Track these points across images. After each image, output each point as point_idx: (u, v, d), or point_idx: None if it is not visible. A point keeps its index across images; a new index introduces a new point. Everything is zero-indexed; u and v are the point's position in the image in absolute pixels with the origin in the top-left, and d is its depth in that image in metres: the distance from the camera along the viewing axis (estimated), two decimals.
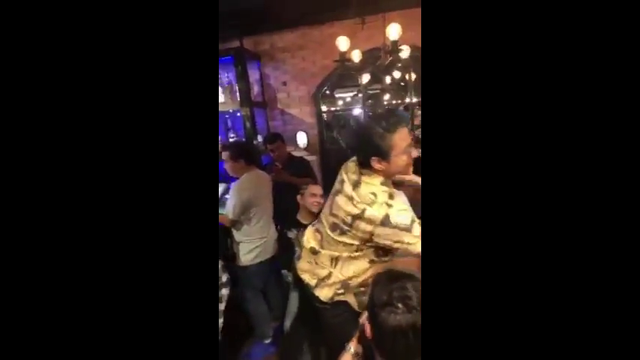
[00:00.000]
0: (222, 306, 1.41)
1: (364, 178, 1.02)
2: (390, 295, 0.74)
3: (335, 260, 1.11)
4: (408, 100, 2.89)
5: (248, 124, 2.40)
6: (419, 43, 2.07)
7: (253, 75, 2.58)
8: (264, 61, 2.65)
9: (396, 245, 0.99)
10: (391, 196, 1.00)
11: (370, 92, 3.15)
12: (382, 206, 0.96)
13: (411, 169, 1.09)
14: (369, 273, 1.09)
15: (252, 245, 1.71)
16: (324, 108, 2.86)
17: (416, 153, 1.06)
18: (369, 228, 0.97)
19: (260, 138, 2.49)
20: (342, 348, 0.97)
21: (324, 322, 1.21)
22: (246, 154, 1.76)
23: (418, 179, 1.13)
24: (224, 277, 1.44)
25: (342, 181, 1.07)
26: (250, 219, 1.69)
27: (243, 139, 2.48)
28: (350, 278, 1.10)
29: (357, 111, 3.21)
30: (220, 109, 2.46)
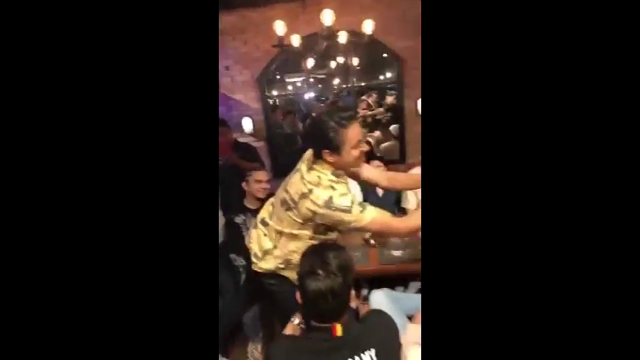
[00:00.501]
0: None
1: (317, 167, 1.09)
2: (311, 264, 0.83)
3: (279, 234, 1.17)
4: (350, 85, 2.97)
5: None
6: (357, 28, 2.14)
7: None
8: None
9: (340, 227, 1.08)
10: (337, 182, 1.07)
11: (319, 77, 3.18)
12: (327, 189, 1.03)
13: (363, 162, 1.19)
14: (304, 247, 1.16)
15: None
16: (274, 92, 2.84)
17: (367, 147, 1.13)
18: (312, 207, 1.03)
19: None
20: (288, 320, 1.05)
21: (271, 297, 1.28)
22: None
23: (374, 173, 1.21)
24: None
25: (302, 161, 1.13)
26: None
27: None
28: (291, 253, 1.17)
29: (307, 96, 3.24)
30: None
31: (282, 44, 1.75)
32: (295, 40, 1.86)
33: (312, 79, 2.95)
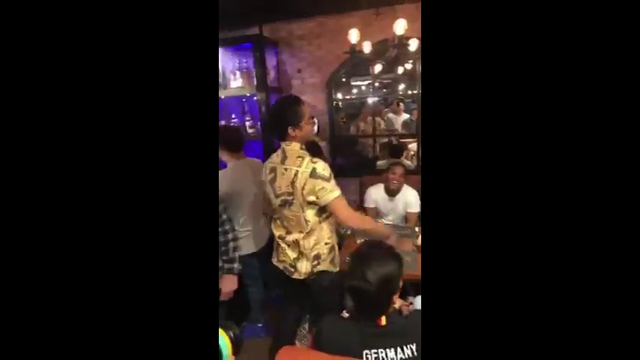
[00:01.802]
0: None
1: (286, 147, 1.31)
2: (354, 270, 0.94)
3: (296, 242, 1.34)
4: (416, 91, 2.96)
5: (263, 109, 2.55)
6: None
7: (270, 61, 2.70)
8: (281, 47, 2.77)
9: (320, 193, 1.24)
10: (313, 158, 1.27)
11: (384, 82, 3.22)
12: (309, 163, 1.24)
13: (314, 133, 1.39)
14: (325, 236, 1.35)
15: (240, 237, 1.65)
16: (339, 96, 2.96)
17: (315, 122, 1.34)
18: (302, 182, 1.23)
19: None
20: (332, 311, 1.16)
21: (312, 295, 1.43)
22: (227, 142, 1.67)
23: (350, 213, 1.30)
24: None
25: (273, 169, 1.34)
26: (223, 221, 1.53)
27: (258, 122, 2.63)
28: (315, 248, 1.34)
29: (370, 100, 3.31)
30: (237, 93, 2.61)
31: (354, 51, 1.85)
32: (367, 47, 1.95)
33: (377, 84, 3.01)
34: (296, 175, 1.25)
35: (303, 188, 1.24)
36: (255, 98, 2.61)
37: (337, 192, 1.26)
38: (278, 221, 1.41)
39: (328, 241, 1.36)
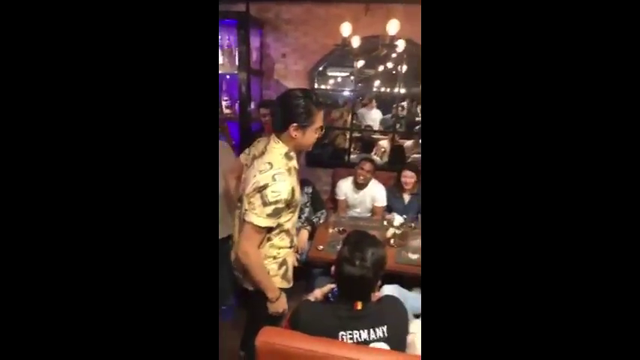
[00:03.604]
0: None
1: (272, 144, 1.12)
2: (352, 253, 0.98)
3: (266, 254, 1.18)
4: (396, 90, 3.06)
5: (243, 89, 2.49)
6: (415, 38, 2.23)
7: (254, 42, 2.63)
8: (266, 30, 2.70)
9: (248, 207, 1.07)
10: (287, 172, 1.08)
11: (362, 76, 3.29)
12: (269, 177, 1.05)
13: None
14: (272, 252, 1.18)
15: None
16: (315, 85, 2.97)
17: (321, 134, 1.16)
18: (249, 189, 1.07)
19: (253, 105, 2.59)
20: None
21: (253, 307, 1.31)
22: None
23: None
24: None
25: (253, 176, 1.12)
26: None
27: (237, 103, 2.56)
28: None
29: (346, 92, 3.35)
30: (218, 70, 2.52)
31: (344, 44, 1.87)
32: (355, 42, 1.98)
33: (352, 77, 3.06)
34: (255, 185, 1.07)
35: (247, 195, 1.09)
36: (234, 78, 2.53)
37: (261, 221, 1.06)
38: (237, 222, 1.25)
39: (277, 256, 1.19)
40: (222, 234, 1.73)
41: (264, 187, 1.04)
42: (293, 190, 1.09)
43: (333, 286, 1.18)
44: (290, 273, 1.26)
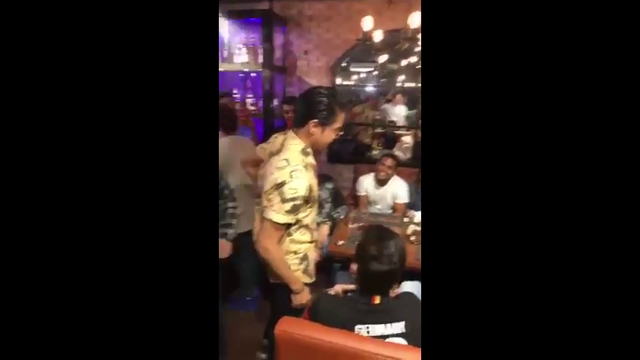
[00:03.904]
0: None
1: (290, 141, 1.14)
2: (377, 249, 0.98)
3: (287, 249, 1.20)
4: (415, 84, 3.00)
5: (267, 87, 2.53)
6: None
7: (278, 39, 2.67)
8: (290, 27, 2.73)
9: (267, 204, 1.09)
10: (304, 168, 1.09)
11: (385, 71, 3.24)
12: (287, 174, 1.06)
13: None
14: (292, 247, 1.20)
15: (232, 213, 1.64)
16: (338, 81, 2.96)
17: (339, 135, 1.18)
18: (267, 187, 1.09)
19: (276, 102, 2.63)
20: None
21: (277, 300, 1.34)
22: (222, 123, 1.64)
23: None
24: None
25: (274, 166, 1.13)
26: (222, 188, 1.54)
27: (261, 100, 2.62)
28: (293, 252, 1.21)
29: (369, 88, 3.32)
30: (242, 68, 2.58)
31: (365, 39, 1.86)
32: (377, 36, 1.96)
33: (376, 72, 3.02)
34: (274, 181, 1.08)
35: (266, 193, 1.10)
36: (259, 75, 2.58)
37: (280, 218, 1.07)
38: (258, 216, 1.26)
39: (298, 251, 1.21)
40: (245, 227, 1.79)
41: (282, 184, 1.06)
42: (310, 187, 1.10)
43: (354, 287, 1.19)
44: (311, 267, 1.28)
